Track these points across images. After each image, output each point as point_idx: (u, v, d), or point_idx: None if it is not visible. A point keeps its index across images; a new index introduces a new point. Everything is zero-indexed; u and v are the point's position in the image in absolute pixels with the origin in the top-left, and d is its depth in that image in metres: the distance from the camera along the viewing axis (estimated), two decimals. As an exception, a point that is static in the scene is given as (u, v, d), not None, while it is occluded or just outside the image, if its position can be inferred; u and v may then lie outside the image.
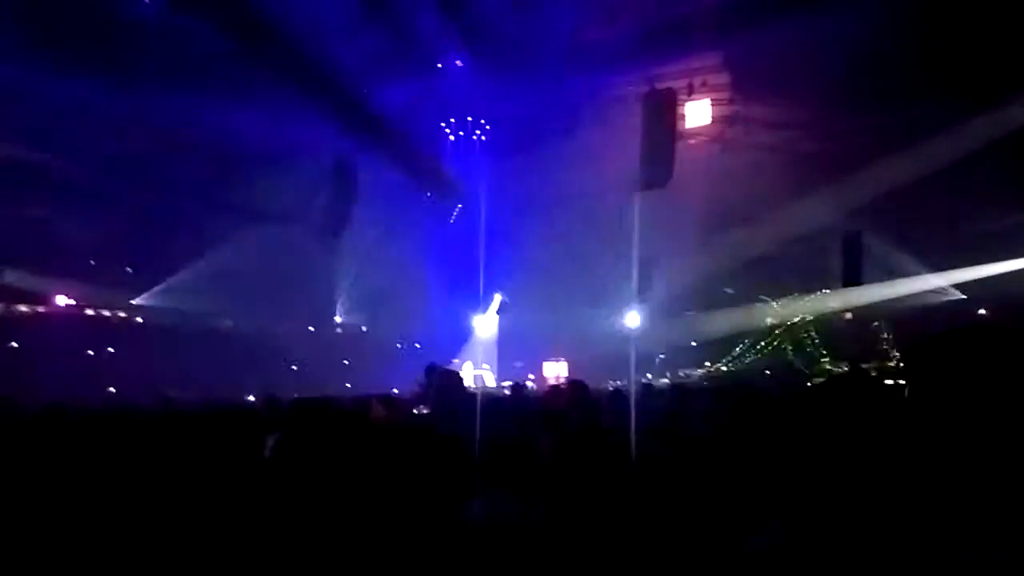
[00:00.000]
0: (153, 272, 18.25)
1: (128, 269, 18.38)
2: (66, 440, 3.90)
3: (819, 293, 19.78)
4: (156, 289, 18.45)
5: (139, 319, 19.43)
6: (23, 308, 18.36)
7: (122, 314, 19.31)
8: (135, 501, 2.89)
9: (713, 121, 15.64)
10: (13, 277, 17.29)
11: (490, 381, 20.02)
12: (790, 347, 20.85)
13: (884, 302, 18.84)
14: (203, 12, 11.67)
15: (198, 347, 17.28)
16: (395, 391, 10.70)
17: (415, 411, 5.88)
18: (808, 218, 16.39)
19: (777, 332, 21.10)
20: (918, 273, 17.97)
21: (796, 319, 20.85)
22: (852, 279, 16.67)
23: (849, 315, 20.08)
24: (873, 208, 15.22)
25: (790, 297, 20.56)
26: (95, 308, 19.03)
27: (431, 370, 5.04)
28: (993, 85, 12.26)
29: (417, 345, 20.46)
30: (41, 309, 18.53)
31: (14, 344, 16.73)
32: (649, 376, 19.60)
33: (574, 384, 5.86)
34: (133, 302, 18.94)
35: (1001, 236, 16.03)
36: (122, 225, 17.31)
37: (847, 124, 14.60)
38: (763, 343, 21.17)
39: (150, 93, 13.05)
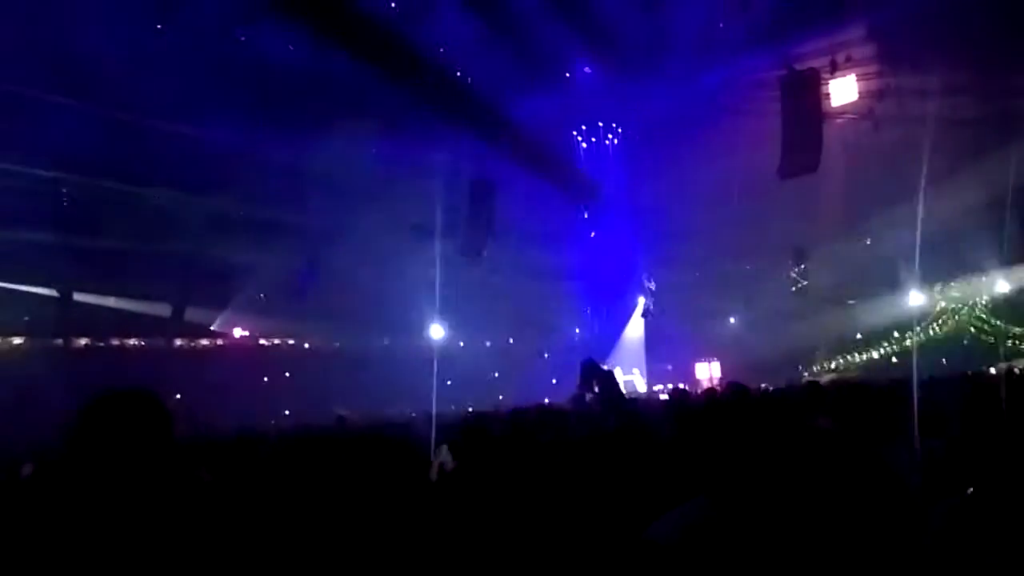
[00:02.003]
0: (316, 299, 19.39)
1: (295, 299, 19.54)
2: (262, 463, 4.14)
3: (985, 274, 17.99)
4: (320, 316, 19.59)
5: (307, 345, 20.75)
6: (204, 342, 20.14)
7: (291, 342, 20.69)
8: (330, 520, 3.04)
9: (860, 97, 14.76)
10: (194, 314, 19.04)
11: (640, 385, 19.77)
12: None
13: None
14: (343, 48, 12.36)
15: (360, 368, 18.20)
16: (546, 400, 10.81)
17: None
18: (975, 190, 15.07)
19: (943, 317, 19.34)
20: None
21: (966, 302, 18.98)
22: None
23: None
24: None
25: (960, 279, 18.88)
26: (267, 338, 20.52)
27: (590, 366, 4.96)
28: None
29: (546, 355, 20.52)
30: (220, 342, 20.24)
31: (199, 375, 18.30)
32: (808, 373, 18.62)
33: (732, 386, 5.57)
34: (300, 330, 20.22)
35: None
36: (287, 259, 18.55)
37: (1009, 82, 13.33)
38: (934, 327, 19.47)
39: (304, 132, 13.96)
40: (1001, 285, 17.99)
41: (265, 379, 18.82)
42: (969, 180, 14.87)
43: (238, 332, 20.22)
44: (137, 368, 16.73)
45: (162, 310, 18.59)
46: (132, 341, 19.04)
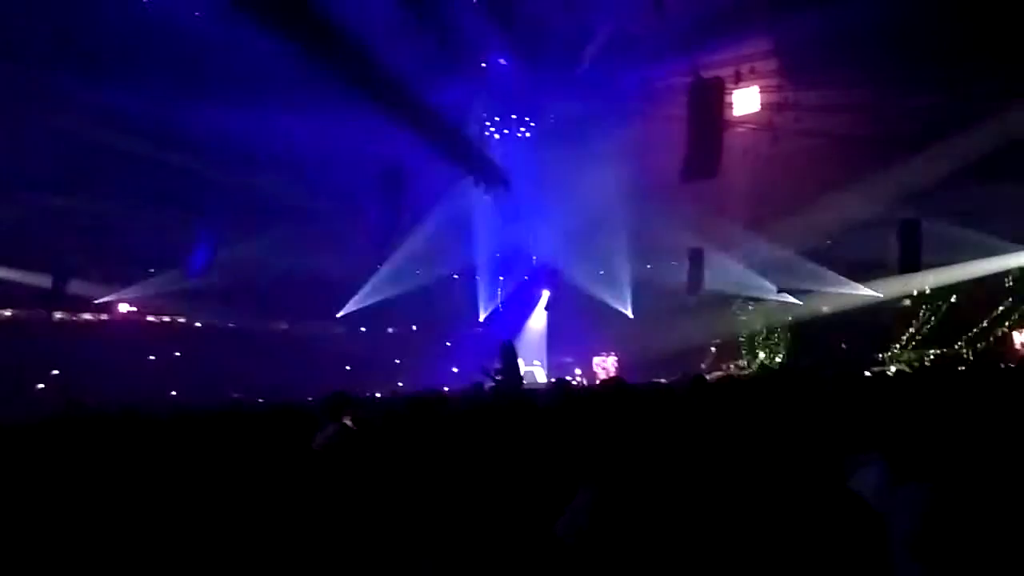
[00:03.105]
0: (211, 277, 18.71)
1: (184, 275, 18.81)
2: (140, 442, 4.01)
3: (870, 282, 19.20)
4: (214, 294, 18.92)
5: (198, 324, 19.98)
6: (87, 316, 19.07)
7: (182, 320, 19.88)
8: (210, 495, 3.00)
9: (762, 108, 15.40)
10: (77, 287, 18.00)
11: (541, 377, 20.07)
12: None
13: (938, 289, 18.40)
14: (253, 17, 11.90)
15: (256, 350, 17.70)
16: (445, 389, 10.85)
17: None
18: (861, 206, 16.05)
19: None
20: (975, 258, 17.45)
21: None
22: (910, 266, 16.25)
23: (907, 302, 19.55)
24: (928, 193, 14.84)
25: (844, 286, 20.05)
26: (156, 315, 19.63)
27: (509, 349, 5.12)
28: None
29: (448, 343, 20.58)
30: (104, 317, 19.21)
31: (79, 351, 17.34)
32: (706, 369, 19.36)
33: (612, 380, 5.80)
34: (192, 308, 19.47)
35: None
36: (176, 234, 17.80)
37: (899, 107, 14.26)
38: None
39: (209, 102, 13.40)
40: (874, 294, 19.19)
41: (152, 358, 18.01)
42: (856, 194, 15.84)
43: (124, 307, 19.23)
44: (11, 341, 15.76)
45: (42, 281, 17.54)
46: (7, 312, 17.91)
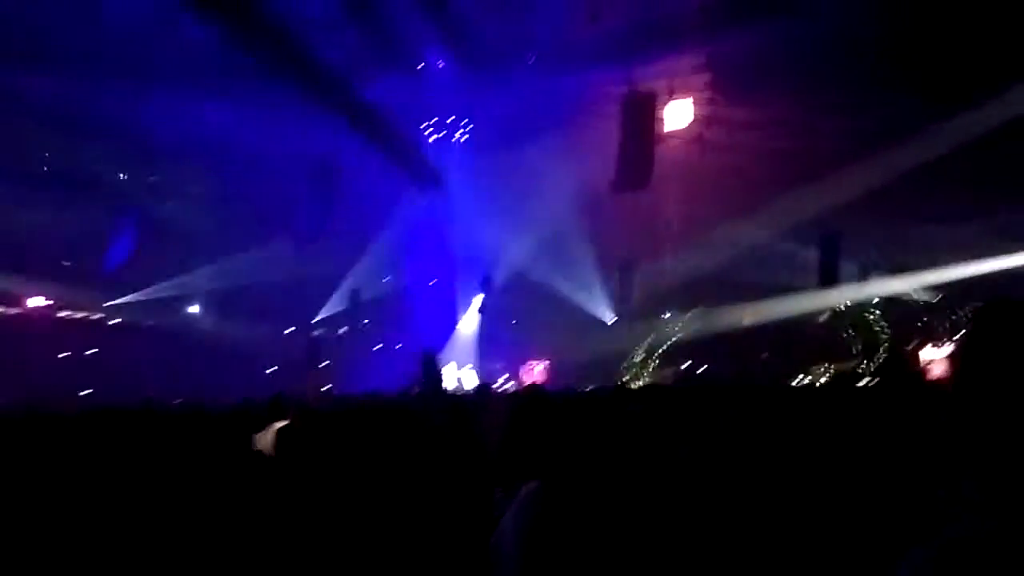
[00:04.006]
0: (129, 274, 17.99)
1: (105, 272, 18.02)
2: (48, 442, 3.86)
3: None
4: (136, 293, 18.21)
5: (118, 320, 19.14)
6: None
7: (98, 316, 19.01)
8: (117, 500, 2.88)
9: (694, 122, 15.74)
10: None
11: (471, 383, 19.96)
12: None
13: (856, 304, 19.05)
14: (187, 3, 11.52)
15: (176, 349, 17.07)
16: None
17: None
18: (785, 220, 16.55)
19: None
20: (892, 274, 18.15)
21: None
22: (829, 280, 16.85)
23: (824, 317, 20.22)
24: (851, 208, 15.40)
25: (766, 300, 20.61)
26: (71, 309, 18.70)
27: (429, 358, 5.13)
28: (965, 87, 12.50)
29: (377, 348, 20.32)
30: (10, 310, 18.19)
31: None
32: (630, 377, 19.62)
33: (530, 388, 5.90)
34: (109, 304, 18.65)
35: (976, 237, 16.28)
36: (98, 226, 17.05)
37: (825, 125, 14.77)
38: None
39: (139, 90, 12.90)
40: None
41: (62, 355, 17.16)
42: (781, 209, 16.33)
43: (33, 301, 18.24)
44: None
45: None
46: None
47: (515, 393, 6.96)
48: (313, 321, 19.63)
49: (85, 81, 12.76)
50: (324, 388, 17.41)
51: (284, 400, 6.04)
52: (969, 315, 17.51)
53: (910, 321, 18.34)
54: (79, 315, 18.89)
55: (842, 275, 17.16)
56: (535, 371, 20.52)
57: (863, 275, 17.83)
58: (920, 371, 17.56)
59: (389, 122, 15.49)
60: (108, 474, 3.08)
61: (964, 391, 1.26)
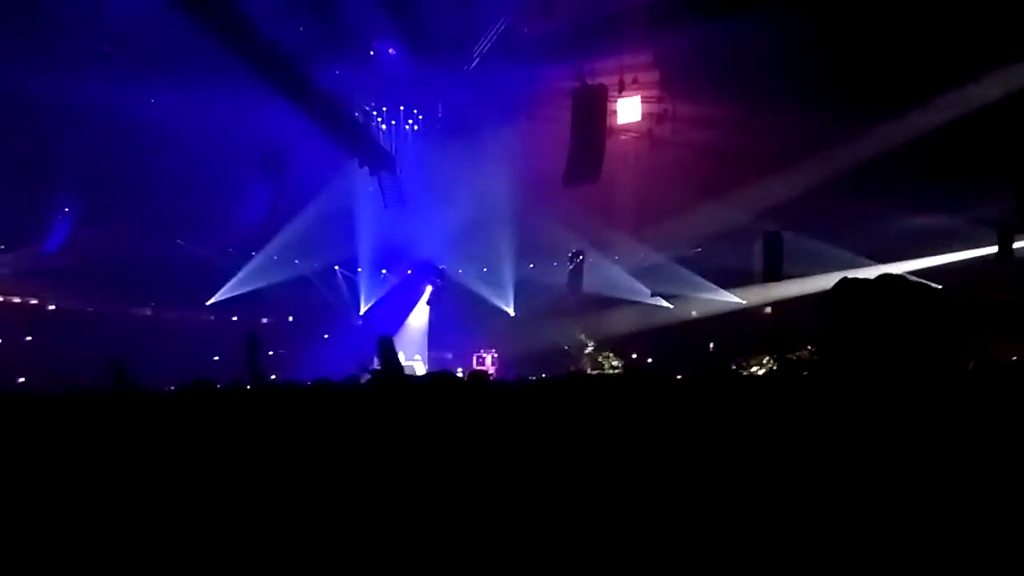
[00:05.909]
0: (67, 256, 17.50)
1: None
2: None
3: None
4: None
5: (53, 307, 18.64)
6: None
7: (34, 302, 18.50)
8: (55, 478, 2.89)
9: (643, 118, 15.95)
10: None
11: (420, 372, 19.97)
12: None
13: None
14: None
15: (117, 336, 16.69)
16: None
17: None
18: (730, 216, 16.92)
19: None
20: (832, 270, 18.69)
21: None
22: (772, 275, 17.30)
23: (768, 309, 20.73)
24: (792, 207, 15.82)
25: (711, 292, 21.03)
26: (4, 295, 18.16)
27: (386, 343, 5.14)
28: (895, 94, 12.97)
29: (326, 335, 20.13)
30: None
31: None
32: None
33: (474, 373, 6.10)
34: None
35: (912, 237, 16.88)
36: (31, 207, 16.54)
37: (768, 125, 15.12)
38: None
39: (79, 68, 12.53)
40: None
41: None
42: (726, 205, 16.69)
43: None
44: None
45: None
46: None
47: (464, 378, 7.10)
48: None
49: (21, 58, 12.33)
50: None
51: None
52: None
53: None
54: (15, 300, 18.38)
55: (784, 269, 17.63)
56: (486, 360, 20.62)
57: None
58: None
59: (339, 105, 15.31)
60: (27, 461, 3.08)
61: (824, 351, 1.61)
